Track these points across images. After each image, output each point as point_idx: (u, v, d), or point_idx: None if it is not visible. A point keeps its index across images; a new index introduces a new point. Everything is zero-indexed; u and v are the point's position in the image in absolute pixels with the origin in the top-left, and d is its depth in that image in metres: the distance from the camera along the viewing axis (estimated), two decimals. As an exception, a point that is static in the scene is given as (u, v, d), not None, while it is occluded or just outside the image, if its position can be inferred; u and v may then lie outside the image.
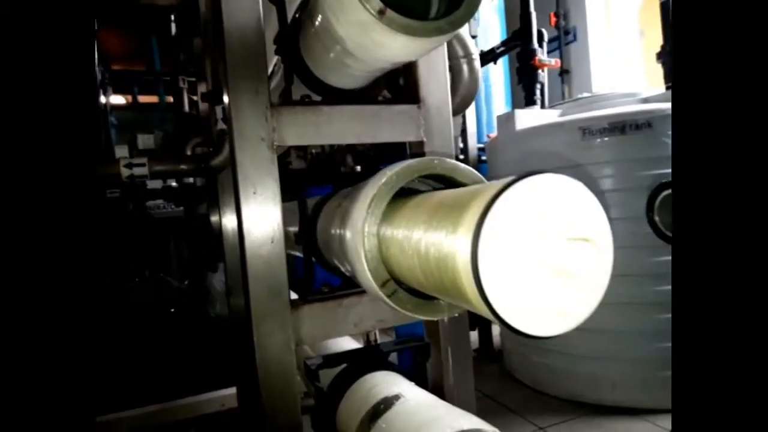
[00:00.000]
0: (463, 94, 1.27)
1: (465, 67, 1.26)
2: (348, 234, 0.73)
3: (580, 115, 2.64)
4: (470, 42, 1.26)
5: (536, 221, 0.48)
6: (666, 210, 0.71)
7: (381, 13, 0.66)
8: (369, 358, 1.05)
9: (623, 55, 4.26)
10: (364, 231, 0.67)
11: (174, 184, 3.16)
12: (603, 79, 4.24)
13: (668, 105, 2.45)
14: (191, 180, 3.01)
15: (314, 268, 1.04)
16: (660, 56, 2.72)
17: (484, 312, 0.49)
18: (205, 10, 1.72)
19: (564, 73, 4.52)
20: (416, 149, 1.09)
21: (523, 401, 2.59)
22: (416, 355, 1.07)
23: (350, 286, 1.06)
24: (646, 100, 2.68)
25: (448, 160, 0.72)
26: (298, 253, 1.24)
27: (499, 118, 2.93)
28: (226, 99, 1.00)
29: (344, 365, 1.05)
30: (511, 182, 0.48)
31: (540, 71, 2.95)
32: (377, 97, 1.11)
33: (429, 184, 0.79)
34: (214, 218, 2.64)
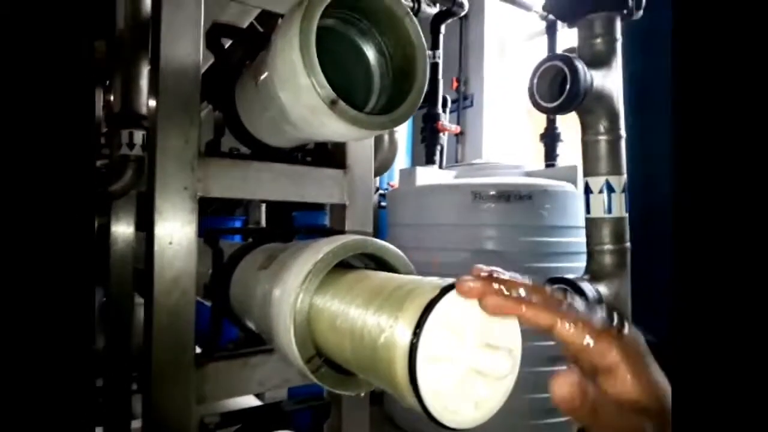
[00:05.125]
0: (381, 160, 1.35)
1: (386, 138, 1.35)
2: (276, 304, 0.74)
3: (473, 180, 2.89)
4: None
5: (466, 325, 0.55)
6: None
7: (333, 103, 0.71)
8: (269, 417, 1.04)
9: (511, 127, 4.75)
10: (296, 306, 0.69)
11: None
12: (492, 145, 4.68)
13: (546, 181, 2.79)
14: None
15: (223, 324, 1.02)
16: (543, 137, 3.09)
17: (411, 400, 0.54)
18: (125, 30, 1.64)
19: (459, 134, 4.90)
20: (339, 211, 1.14)
21: (400, 448, 2.66)
22: (316, 415, 1.09)
23: (255, 343, 1.05)
24: (529, 174, 3.02)
25: (378, 241, 0.77)
26: (199, 299, 1.20)
27: (402, 172, 3.10)
28: (153, 144, 0.97)
29: (240, 425, 1.03)
30: (449, 286, 0.55)
31: (441, 134, 3.19)
32: (304, 156, 1.14)
33: (357, 258, 0.83)
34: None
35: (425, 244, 2.89)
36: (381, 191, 3.63)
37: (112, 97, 2.08)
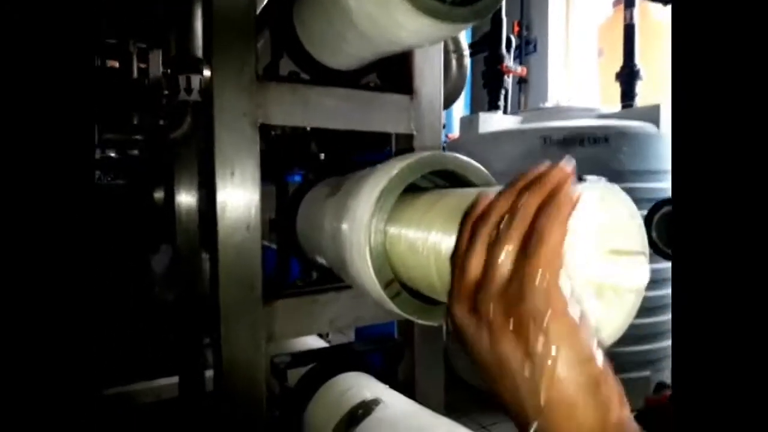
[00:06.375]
0: (450, 90, 1.23)
1: (454, 63, 1.23)
2: (348, 228, 0.67)
3: (542, 124, 2.70)
4: (462, 37, 1.23)
5: (582, 231, 0.45)
6: (663, 226, 0.72)
7: (407, -11, 0.61)
8: (340, 358, 0.99)
9: (580, 70, 4.41)
10: (371, 226, 0.61)
11: (113, 155, 2.93)
12: (559, 91, 4.38)
13: (624, 122, 2.55)
14: (135, 152, 2.81)
15: (291, 260, 0.97)
16: (619, 76, 2.82)
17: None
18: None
19: (522, 82, 4.62)
20: (404, 143, 1.05)
21: (467, 400, 2.62)
22: (388, 356, 1.03)
23: (325, 281, 1.00)
24: (603, 116, 2.78)
25: (460, 156, 0.68)
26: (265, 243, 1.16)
27: (462, 120, 2.94)
28: (207, 72, 0.91)
29: (312, 364, 0.99)
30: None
31: (505, 77, 2.99)
32: (367, 83, 1.05)
33: (431, 180, 0.74)
34: (158, 196, 2.47)
35: (490, 195, 2.75)
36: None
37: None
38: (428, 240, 0.57)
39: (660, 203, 0.82)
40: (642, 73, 2.75)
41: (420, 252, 0.58)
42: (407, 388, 1.05)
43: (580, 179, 0.46)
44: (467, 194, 0.58)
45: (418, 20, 0.63)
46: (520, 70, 3.08)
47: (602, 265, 0.45)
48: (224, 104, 0.87)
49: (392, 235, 0.63)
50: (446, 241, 0.55)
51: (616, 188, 0.47)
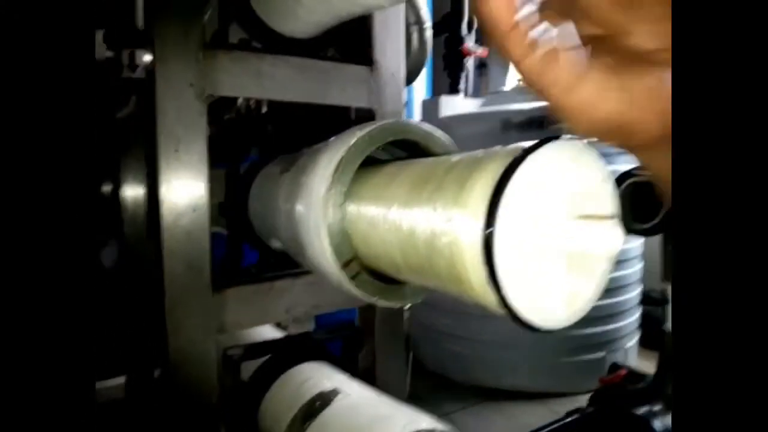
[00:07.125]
0: (411, 64, 1.18)
1: (415, 36, 1.17)
2: (302, 205, 0.61)
3: (502, 107, 2.69)
4: (423, 9, 1.18)
5: (552, 197, 0.41)
6: (628, 199, 0.70)
7: (365, -61, 0.55)
8: (298, 348, 0.94)
9: (539, 55, 4.44)
10: (329, 201, 0.56)
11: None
12: (517, 75, 4.40)
13: (583, 106, 2.58)
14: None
15: (242, 246, 0.90)
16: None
17: (489, 301, 0.41)
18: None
19: (482, 65, 4.61)
20: (365, 117, 0.99)
21: (430, 388, 2.61)
22: (348, 344, 0.98)
23: (280, 267, 0.94)
24: (563, 100, 2.80)
25: (424, 124, 0.63)
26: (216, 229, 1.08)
27: (424, 103, 2.91)
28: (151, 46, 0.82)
29: (268, 357, 0.93)
30: (526, 152, 0.40)
31: (466, 59, 2.96)
32: (325, 54, 0.98)
33: (391, 153, 0.69)
34: (105, 188, 2.32)
35: (451, 179, 2.73)
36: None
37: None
38: (389, 215, 0.52)
39: (622, 176, 0.80)
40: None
41: (380, 228, 0.53)
42: (368, 376, 1.00)
43: (555, 138, 0.42)
44: (430, 165, 0.53)
45: (378, -25, 0.58)
46: (481, 51, 3.05)
47: (574, 232, 0.41)
48: (168, 74, 0.78)
49: (351, 211, 0.58)
50: (410, 216, 0.50)
51: (589, 148, 0.43)
